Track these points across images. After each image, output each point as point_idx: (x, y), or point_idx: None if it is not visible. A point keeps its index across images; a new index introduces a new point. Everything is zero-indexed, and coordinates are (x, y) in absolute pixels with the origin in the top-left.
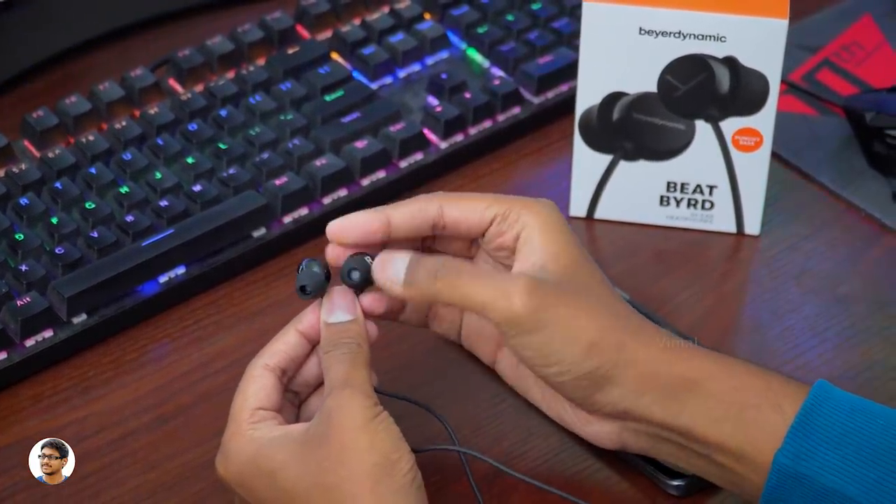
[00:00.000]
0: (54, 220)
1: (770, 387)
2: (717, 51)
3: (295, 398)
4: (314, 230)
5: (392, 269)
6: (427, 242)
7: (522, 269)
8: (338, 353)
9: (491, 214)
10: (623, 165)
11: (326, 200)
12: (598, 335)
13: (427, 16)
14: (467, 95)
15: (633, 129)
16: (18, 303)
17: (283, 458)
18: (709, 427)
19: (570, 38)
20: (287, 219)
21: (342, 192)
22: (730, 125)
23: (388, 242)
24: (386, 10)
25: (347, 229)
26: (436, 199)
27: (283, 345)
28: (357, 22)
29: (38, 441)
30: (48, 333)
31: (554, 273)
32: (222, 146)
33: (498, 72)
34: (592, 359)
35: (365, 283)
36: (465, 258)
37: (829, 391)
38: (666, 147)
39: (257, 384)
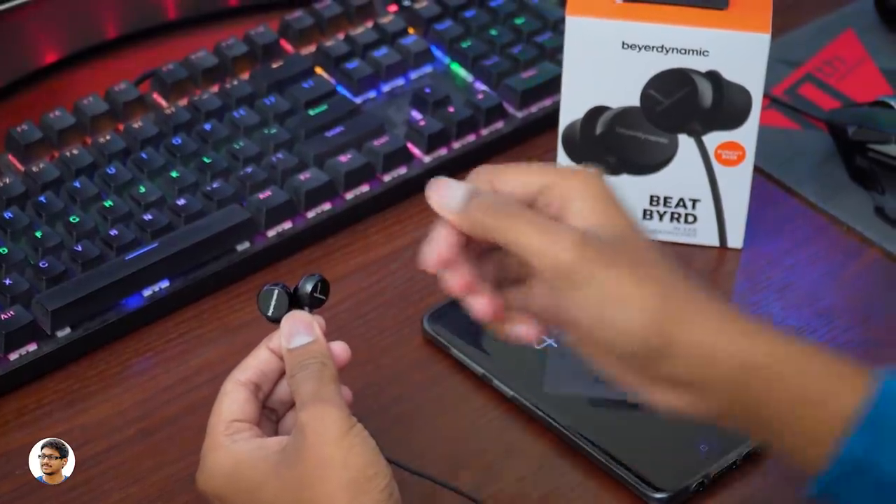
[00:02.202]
0: (38, 234)
1: (840, 372)
2: (700, 65)
3: (273, 415)
4: (298, 244)
5: (448, 194)
6: None
7: None
8: (302, 375)
9: (536, 186)
10: None
11: (310, 214)
12: (657, 303)
13: (411, 30)
14: (451, 109)
15: (616, 143)
16: (2, 316)
17: (262, 476)
18: (773, 411)
19: (554, 53)
20: (271, 232)
21: (326, 206)
22: (712, 139)
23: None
24: (370, 24)
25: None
26: (485, 174)
27: (255, 360)
28: (341, 36)
29: (22, 454)
30: (32, 347)
31: (604, 235)
32: (206, 160)
33: (481, 86)
34: (649, 326)
35: (283, 313)
36: None
37: None
38: (649, 161)
39: (230, 398)
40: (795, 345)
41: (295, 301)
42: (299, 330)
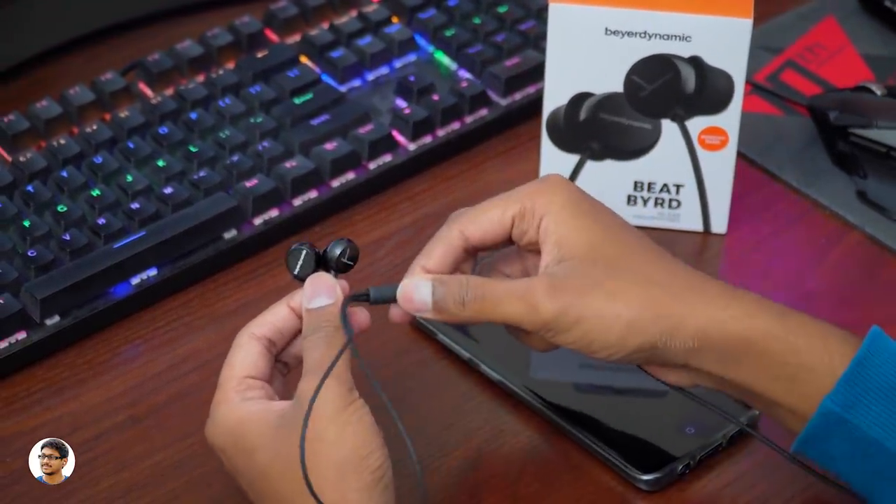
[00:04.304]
0: (26, 223)
1: (826, 347)
2: (683, 50)
3: (285, 368)
4: (285, 231)
5: (417, 297)
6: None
7: (545, 266)
8: (315, 337)
9: (508, 220)
10: (590, 165)
11: (297, 202)
12: (635, 314)
13: (395, 19)
14: (435, 97)
15: (599, 129)
16: None
17: (260, 440)
18: (765, 385)
19: (537, 40)
20: (257, 220)
21: (312, 194)
22: (696, 124)
23: None
24: (354, 13)
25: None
26: (455, 226)
27: (272, 316)
28: (325, 26)
29: (12, 442)
30: (21, 335)
31: (575, 263)
32: (193, 149)
33: (465, 74)
34: (635, 337)
35: (308, 273)
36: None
37: (884, 343)
38: (632, 147)
39: (243, 352)
40: (788, 321)
41: (322, 263)
42: (321, 292)
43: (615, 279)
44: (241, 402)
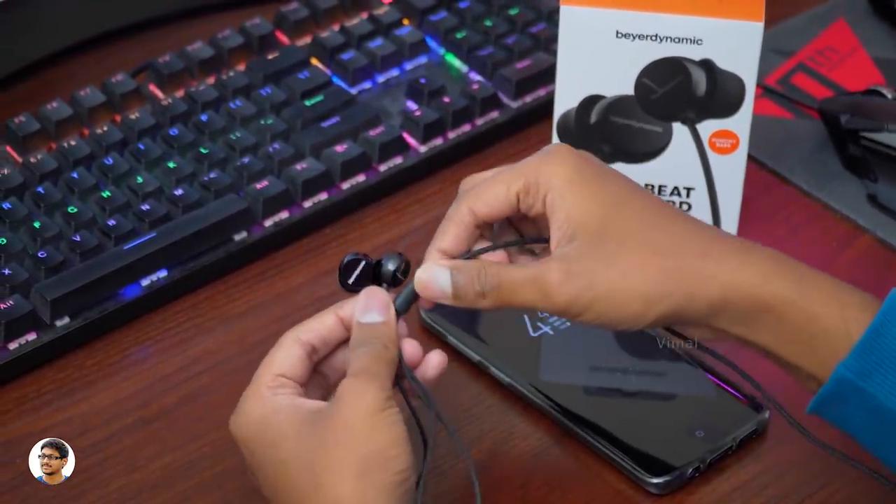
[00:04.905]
0: (37, 225)
1: (843, 313)
2: (694, 53)
3: (323, 380)
4: (295, 233)
5: (436, 286)
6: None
7: (556, 242)
8: (361, 350)
9: (513, 196)
10: None
11: (307, 204)
12: (651, 287)
13: (406, 21)
14: (446, 100)
15: (610, 132)
16: (2, 306)
17: (284, 433)
18: (782, 348)
19: (548, 43)
20: (268, 222)
21: (322, 196)
22: (706, 127)
23: None
24: (365, 15)
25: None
26: (464, 203)
27: (319, 324)
28: (336, 28)
29: (22, 443)
30: (32, 336)
31: (585, 240)
32: (203, 151)
33: (476, 76)
34: (653, 309)
35: (362, 285)
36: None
37: None
38: (643, 149)
39: (285, 352)
40: (806, 286)
41: (375, 276)
42: (374, 307)
43: (628, 254)
44: (271, 397)
